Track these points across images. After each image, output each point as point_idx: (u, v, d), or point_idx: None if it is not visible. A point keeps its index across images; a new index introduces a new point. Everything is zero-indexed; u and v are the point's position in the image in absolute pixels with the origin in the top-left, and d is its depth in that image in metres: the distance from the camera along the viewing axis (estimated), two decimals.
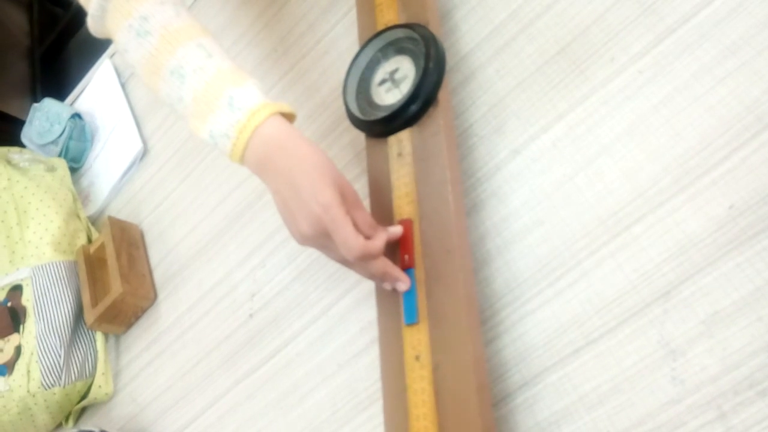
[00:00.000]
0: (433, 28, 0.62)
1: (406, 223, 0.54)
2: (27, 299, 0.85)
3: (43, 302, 0.84)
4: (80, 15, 0.62)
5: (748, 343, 0.43)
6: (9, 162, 0.94)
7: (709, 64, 0.50)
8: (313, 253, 0.69)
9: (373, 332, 0.59)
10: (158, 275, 0.85)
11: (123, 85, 1.04)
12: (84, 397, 0.83)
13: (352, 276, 0.65)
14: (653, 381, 0.45)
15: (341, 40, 0.77)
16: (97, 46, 1.17)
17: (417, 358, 0.50)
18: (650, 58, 0.53)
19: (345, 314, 0.64)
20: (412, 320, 0.51)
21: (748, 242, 0.45)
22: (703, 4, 0.52)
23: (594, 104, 0.55)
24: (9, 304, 0.86)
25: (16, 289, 0.86)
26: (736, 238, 0.45)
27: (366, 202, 0.61)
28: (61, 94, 1.16)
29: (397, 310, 0.52)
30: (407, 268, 0.53)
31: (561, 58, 0.58)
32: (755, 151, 0.46)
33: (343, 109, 0.64)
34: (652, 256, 0.48)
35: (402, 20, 0.64)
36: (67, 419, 0.84)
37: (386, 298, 0.54)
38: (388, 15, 0.65)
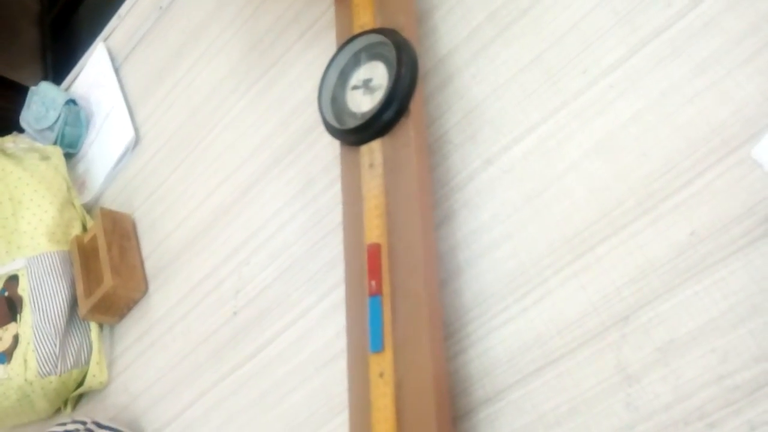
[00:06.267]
0: (409, 32, 0.61)
1: (374, 248, 0.54)
2: (23, 289, 0.87)
3: (39, 292, 0.86)
4: None
5: (701, 374, 0.43)
6: (4, 152, 0.95)
7: (679, 82, 0.49)
8: (294, 254, 0.70)
9: None
10: (150, 266, 0.87)
11: (117, 70, 1.04)
12: (80, 384, 0.85)
13: (330, 279, 0.66)
14: (609, 405, 0.46)
15: (325, 33, 0.76)
16: (108, 11, 1.17)
17: (381, 374, 0.51)
18: (621, 73, 0.52)
19: (322, 318, 0.65)
20: (377, 348, 0.51)
21: (707, 270, 0.44)
22: (677, 16, 0.50)
23: (565, 117, 0.54)
24: (6, 294, 0.88)
25: (13, 279, 0.88)
26: (695, 265, 0.45)
27: (338, 211, 0.61)
28: (71, 61, 1.15)
29: (364, 335, 0.53)
30: (374, 295, 0.53)
31: (535, 67, 0.57)
32: (719, 176, 0.45)
33: None
34: (613, 279, 0.48)
35: (378, 22, 0.63)
36: (65, 405, 0.87)
37: (354, 320, 0.55)
38: (365, 17, 0.64)
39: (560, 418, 0.48)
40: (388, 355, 0.51)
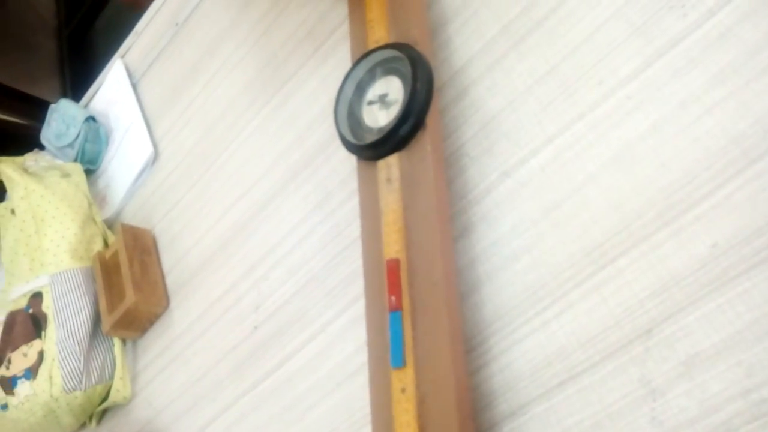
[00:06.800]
0: (423, 46, 0.61)
1: (393, 264, 0.54)
2: (47, 306, 0.88)
3: (62, 309, 0.87)
4: None
5: (727, 388, 0.43)
6: (25, 170, 0.97)
7: (697, 92, 0.49)
8: (313, 268, 0.70)
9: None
10: (170, 281, 0.87)
11: (134, 86, 1.05)
12: (105, 399, 0.86)
13: (349, 294, 0.66)
14: (633, 420, 0.46)
15: (339, 47, 0.77)
16: (124, 24, 1.18)
17: (403, 390, 0.51)
18: (638, 83, 0.52)
19: (342, 333, 0.65)
20: (398, 365, 0.51)
21: (730, 283, 0.44)
22: (693, 27, 0.50)
23: (582, 129, 0.54)
24: (30, 311, 0.89)
25: (37, 296, 0.89)
26: (717, 278, 0.45)
27: (356, 225, 0.62)
28: (89, 73, 1.17)
29: (384, 350, 0.53)
30: (394, 311, 0.53)
31: (550, 78, 0.57)
32: (739, 188, 0.45)
33: None
34: (635, 292, 0.48)
35: (392, 37, 0.63)
36: (90, 419, 0.88)
37: (375, 335, 0.55)
38: (379, 32, 0.64)
39: None
40: (409, 370, 0.51)
